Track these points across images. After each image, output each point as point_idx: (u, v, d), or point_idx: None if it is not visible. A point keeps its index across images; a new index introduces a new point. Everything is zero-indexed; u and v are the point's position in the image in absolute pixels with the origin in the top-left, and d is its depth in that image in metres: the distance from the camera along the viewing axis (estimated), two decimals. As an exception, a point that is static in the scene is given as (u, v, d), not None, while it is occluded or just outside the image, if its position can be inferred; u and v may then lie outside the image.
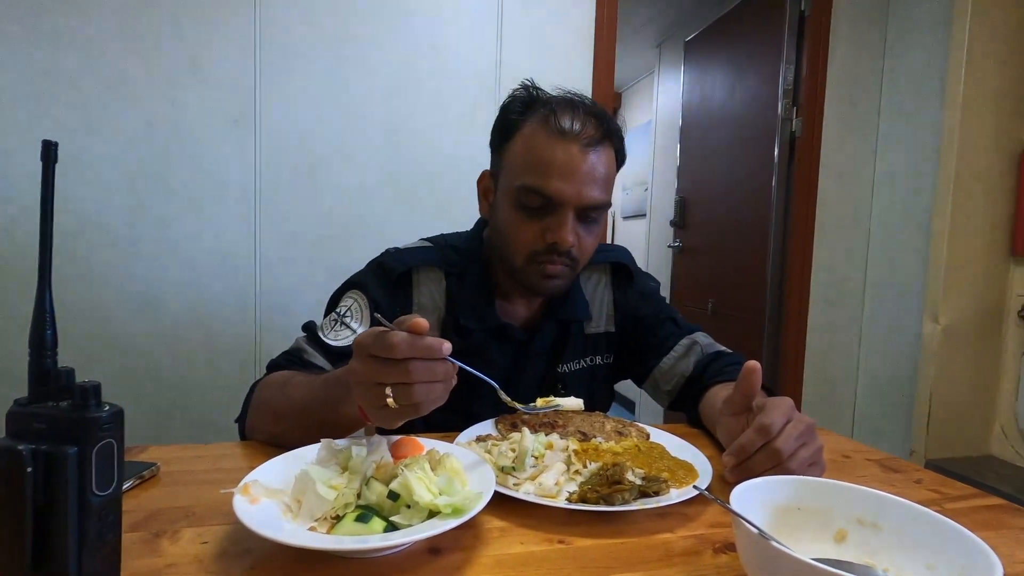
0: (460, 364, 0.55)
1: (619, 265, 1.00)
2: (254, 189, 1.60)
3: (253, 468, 0.54)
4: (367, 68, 1.66)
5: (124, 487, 0.55)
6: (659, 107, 3.57)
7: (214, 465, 0.67)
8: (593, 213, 0.82)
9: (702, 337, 0.95)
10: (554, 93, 0.85)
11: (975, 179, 1.84)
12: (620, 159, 0.86)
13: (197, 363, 1.60)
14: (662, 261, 3.25)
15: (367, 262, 0.92)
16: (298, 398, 0.68)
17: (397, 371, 0.50)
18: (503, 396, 0.63)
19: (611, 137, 0.82)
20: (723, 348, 0.94)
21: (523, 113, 0.83)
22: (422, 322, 0.51)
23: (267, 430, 0.72)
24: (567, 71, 1.80)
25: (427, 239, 0.95)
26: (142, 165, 1.52)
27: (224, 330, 1.61)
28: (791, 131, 2.21)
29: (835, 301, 2.20)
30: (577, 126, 0.78)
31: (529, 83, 0.85)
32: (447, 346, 0.51)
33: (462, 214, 1.71)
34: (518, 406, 0.64)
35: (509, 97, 0.86)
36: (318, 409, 0.65)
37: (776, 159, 2.24)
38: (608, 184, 0.82)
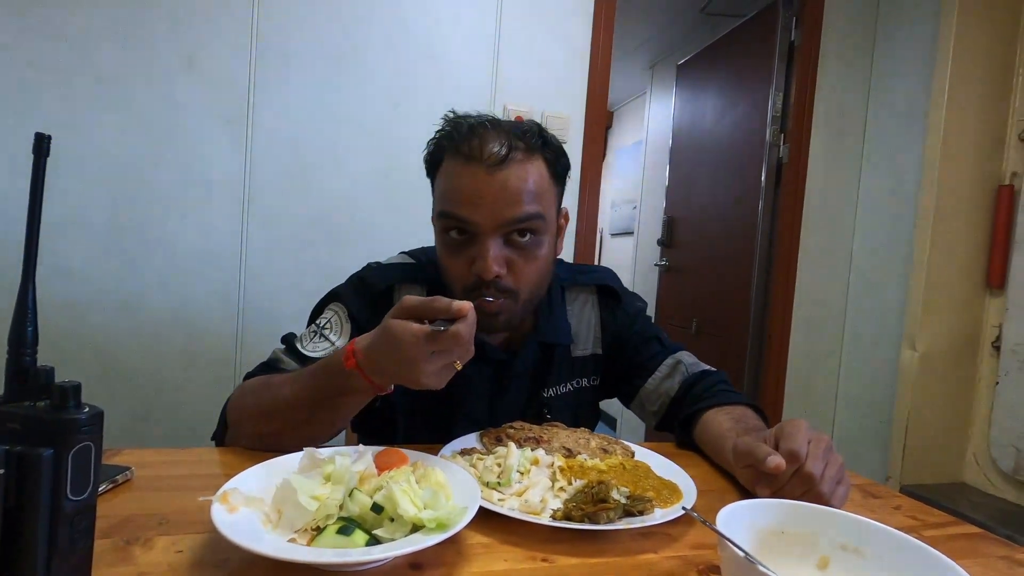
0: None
1: (606, 287, 0.99)
2: (243, 190, 1.59)
3: (231, 475, 0.53)
4: (363, 75, 1.66)
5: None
6: (650, 127, 3.62)
7: (191, 471, 0.66)
8: (523, 231, 0.76)
9: (686, 356, 0.95)
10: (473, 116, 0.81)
11: (954, 212, 1.88)
12: (556, 169, 0.81)
13: (175, 364, 1.56)
14: (648, 279, 3.27)
15: (349, 275, 0.91)
16: (289, 393, 0.69)
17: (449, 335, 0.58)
18: None
19: (531, 151, 0.77)
20: (707, 367, 0.94)
21: (444, 146, 0.82)
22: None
23: (256, 432, 0.71)
24: (562, 88, 1.81)
25: (408, 253, 0.94)
26: (130, 161, 1.50)
27: (204, 331, 1.58)
28: (778, 157, 2.25)
29: (817, 325, 2.24)
30: (480, 149, 0.75)
31: (452, 114, 0.83)
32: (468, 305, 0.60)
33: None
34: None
35: (436, 133, 0.84)
36: (312, 396, 0.66)
37: (763, 183, 2.28)
38: (532, 196, 0.75)
